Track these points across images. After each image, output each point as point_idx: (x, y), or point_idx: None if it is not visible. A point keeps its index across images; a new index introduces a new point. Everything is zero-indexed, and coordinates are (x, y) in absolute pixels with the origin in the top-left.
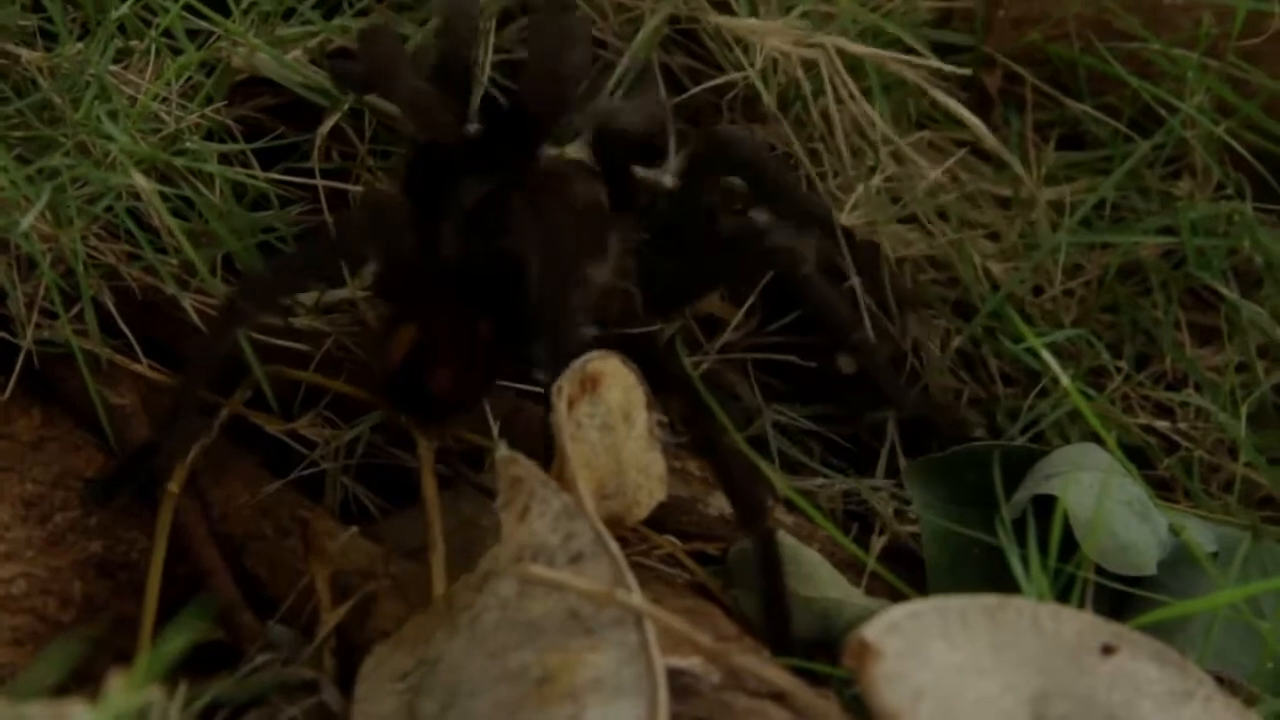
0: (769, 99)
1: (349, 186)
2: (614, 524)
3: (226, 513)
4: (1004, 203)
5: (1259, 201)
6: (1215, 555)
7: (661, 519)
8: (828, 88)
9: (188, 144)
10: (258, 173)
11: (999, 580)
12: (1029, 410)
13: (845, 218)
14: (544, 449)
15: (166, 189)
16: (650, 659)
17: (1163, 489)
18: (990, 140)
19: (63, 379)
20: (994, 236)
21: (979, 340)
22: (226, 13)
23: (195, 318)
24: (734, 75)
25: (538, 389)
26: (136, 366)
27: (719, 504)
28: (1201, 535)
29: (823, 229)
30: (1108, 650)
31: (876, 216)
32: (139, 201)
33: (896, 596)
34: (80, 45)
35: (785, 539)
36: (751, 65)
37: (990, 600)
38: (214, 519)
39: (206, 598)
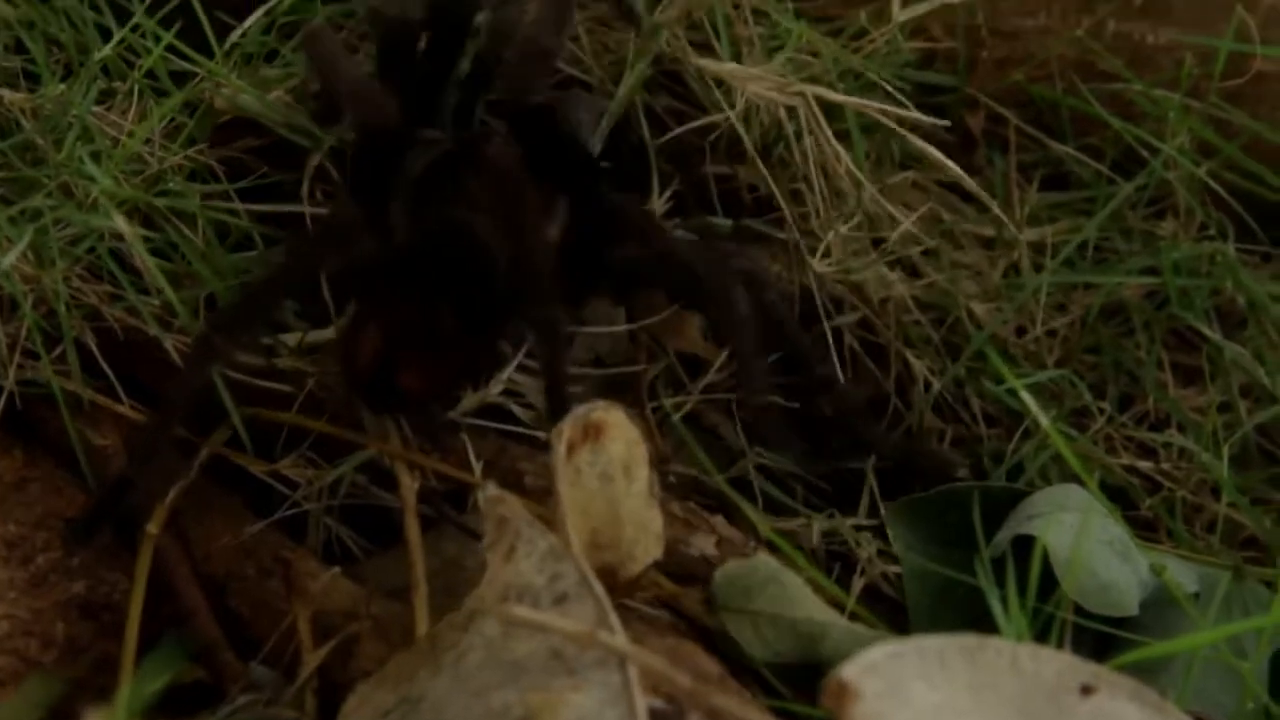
0: (751, 141)
1: None
2: (607, 576)
3: (209, 553)
4: (987, 243)
5: (1241, 242)
6: (1197, 595)
7: None
8: (805, 134)
9: (170, 185)
10: (239, 210)
11: (981, 621)
12: (1013, 451)
13: (824, 259)
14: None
15: (149, 231)
16: (632, 700)
17: (1146, 529)
18: (968, 182)
19: (45, 420)
20: (977, 277)
21: (962, 381)
22: (209, 54)
23: (177, 358)
24: (715, 117)
25: (522, 429)
26: (119, 407)
27: (700, 545)
28: (1183, 575)
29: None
30: (1086, 690)
31: (854, 260)
32: (121, 242)
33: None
34: (63, 86)
35: (769, 562)
36: (733, 107)
37: (969, 641)
38: (196, 559)
39: (184, 634)
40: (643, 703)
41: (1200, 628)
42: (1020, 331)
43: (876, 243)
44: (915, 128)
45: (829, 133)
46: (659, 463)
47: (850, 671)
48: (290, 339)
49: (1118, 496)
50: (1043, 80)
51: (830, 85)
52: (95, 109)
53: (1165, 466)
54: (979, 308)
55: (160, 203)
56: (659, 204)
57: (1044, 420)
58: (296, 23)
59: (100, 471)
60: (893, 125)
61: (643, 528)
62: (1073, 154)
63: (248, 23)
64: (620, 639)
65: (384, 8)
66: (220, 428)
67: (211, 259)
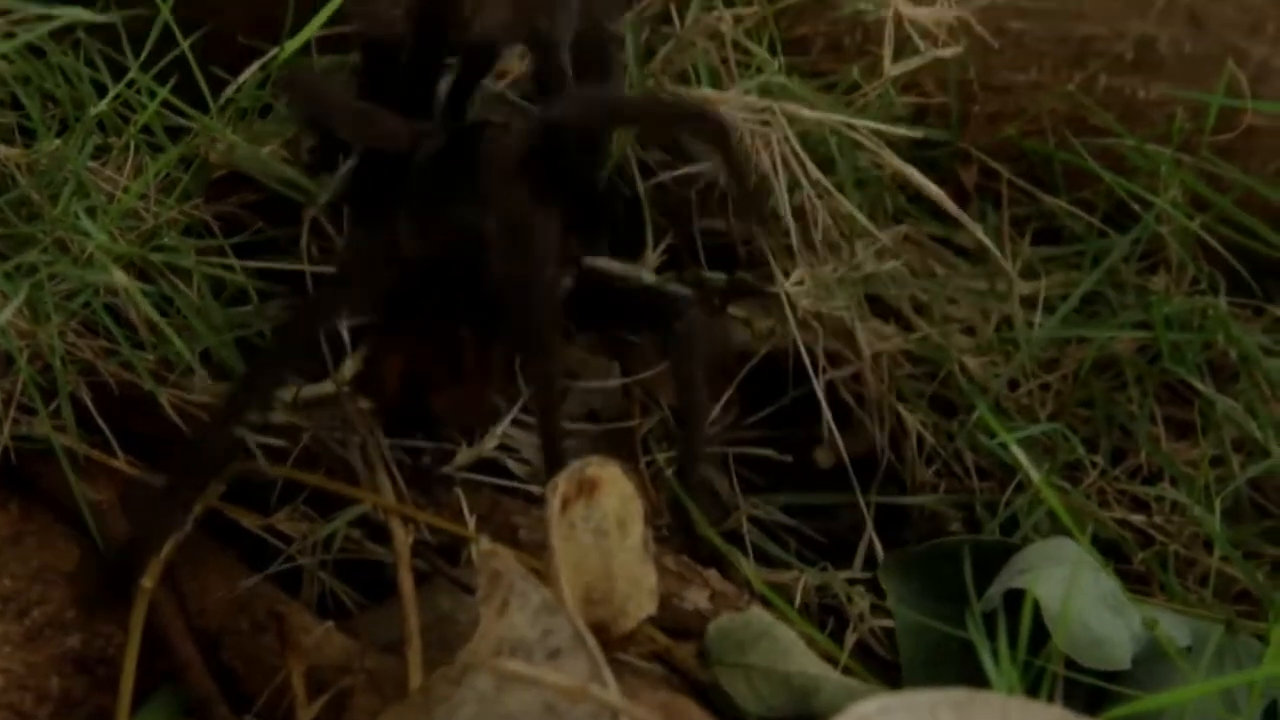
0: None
1: None
2: (600, 630)
3: (203, 607)
4: (980, 296)
5: (1233, 296)
6: (1189, 649)
7: None
8: (779, 161)
9: (165, 240)
10: (234, 265)
11: (974, 676)
12: (1006, 504)
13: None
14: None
15: (144, 285)
16: None
17: (1139, 583)
18: (967, 223)
19: (40, 474)
20: (970, 331)
21: (955, 435)
22: (204, 109)
23: (172, 413)
24: (703, 166)
25: (516, 484)
26: (114, 462)
27: (693, 598)
28: (1175, 629)
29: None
30: None
31: (849, 310)
32: (116, 297)
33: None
34: (58, 142)
35: (762, 616)
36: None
37: (960, 694)
38: (190, 613)
39: (178, 689)
40: None
41: (1192, 681)
42: (1013, 385)
43: (870, 299)
44: (907, 183)
45: (808, 162)
46: (652, 517)
47: None
48: (284, 393)
49: (1110, 550)
50: (1035, 135)
51: (822, 140)
52: (91, 164)
53: (1158, 520)
54: (972, 362)
55: (156, 258)
56: (653, 258)
57: (1035, 476)
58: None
59: (100, 526)
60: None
61: (636, 583)
62: (1065, 208)
63: (242, 77)
64: (613, 693)
65: (366, 27)
66: (217, 481)
67: (207, 314)
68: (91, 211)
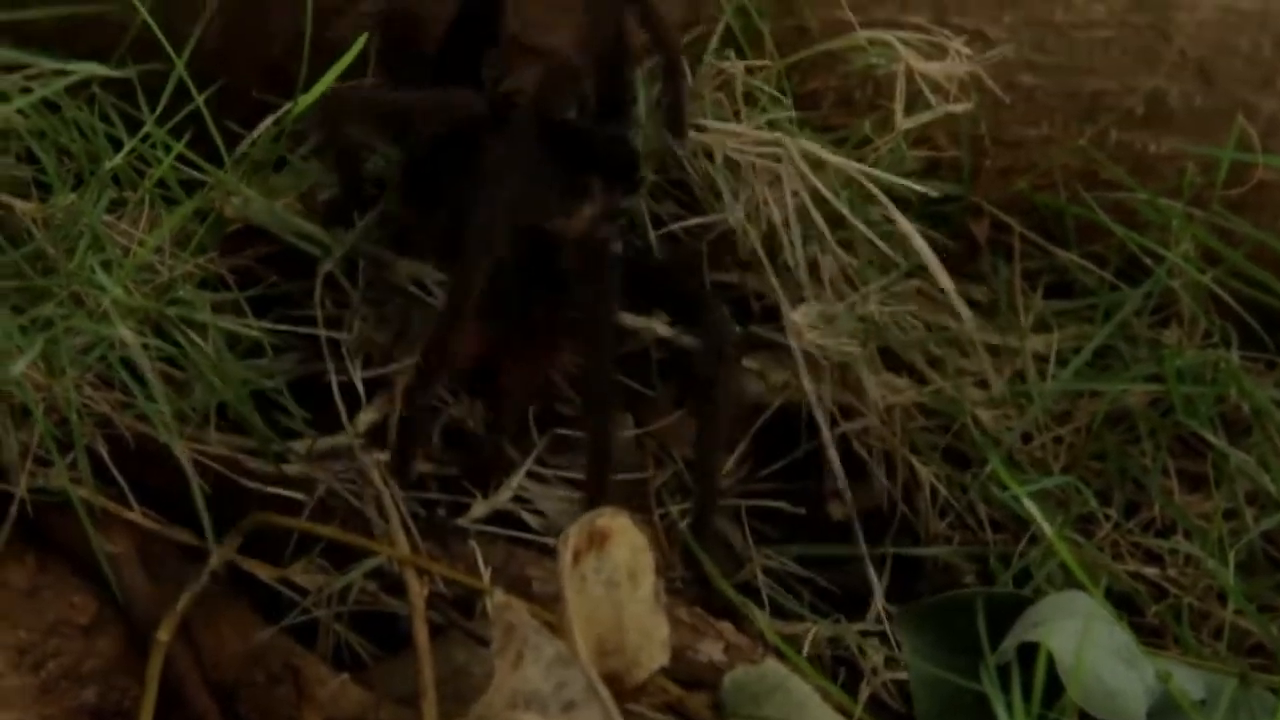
0: (754, 236)
1: (342, 335)
2: (613, 682)
3: (218, 659)
4: (992, 350)
5: (1245, 349)
6: (1203, 702)
7: None
8: (789, 203)
9: (181, 294)
10: (251, 321)
11: None
12: (1019, 556)
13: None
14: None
15: (160, 339)
16: None
17: (1153, 636)
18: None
19: (57, 526)
20: (983, 384)
21: (968, 487)
22: (219, 162)
23: (188, 466)
24: (714, 217)
25: (530, 535)
26: (130, 514)
27: (708, 650)
28: (1189, 682)
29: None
30: None
31: (857, 349)
32: (132, 350)
33: None
34: (74, 196)
35: (777, 668)
36: (734, 200)
37: None
38: (206, 666)
39: None
40: None
41: None
42: (1026, 438)
43: (883, 351)
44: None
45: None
46: (666, 568)
47: None
48: (300, 445)
49: (1124, 603)
50: (1047, 189)
51: (834, 193)
52: (106, 218)
53: (1171, 573)
54: (985, 414)
55: (171, 311)
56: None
57: (1048, 530)
58: (305, 130)
59: (117, 578)
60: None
61: (648, 634)
62: (1077, 262)
63: (257, 131)
64: None
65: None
66: (233, 533)
67: (221, 367)
68: (107, 265)
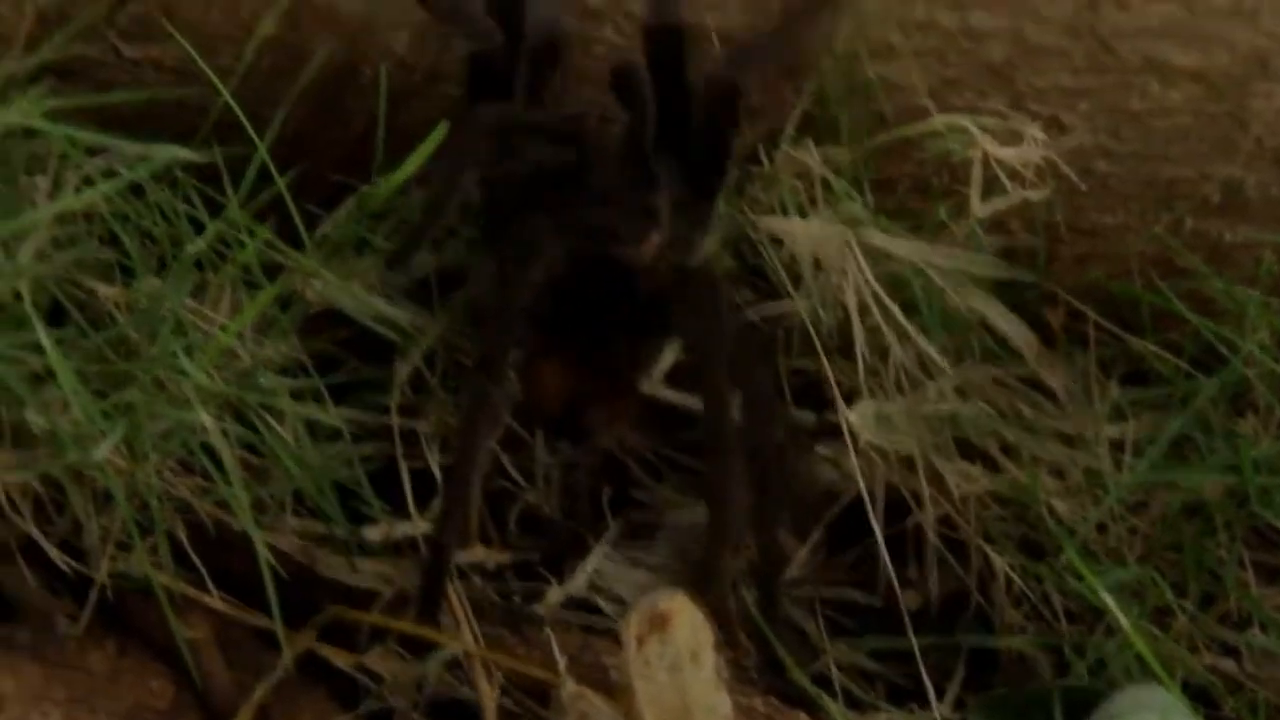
0: (825, 324)
1: (421, 424)
2: None
3: None
4: (1067, 439)
5: None
6: None
7: None
8: (857, 294)
9: (261, 379)
10: (330, 410)
11: None
12: (1095, 648)
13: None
14: None
15: (239, 426)
16: None
17: None
18: (1042, 365)
19: (136, 611)
20: (1058, 473)
21: (1043, 577)
22: (299, 245)
23: (266, 552)
24: (785, 305)
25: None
26: (208, 599)
27: None
28: None
29: None
30: None
31: (919, 444)
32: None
33: None
34: (156, 280)
35: None
36: (806, 296)
37: None
38: None
39: None
40: None
41: None
42: (1101, 528)
43: (958, 440)
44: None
45: (885, 298)
46: (734, 653)
47: None
48: (375, 532)
49: (1200, 696)
50: (1122, 277)
51: (907, 280)
52: (188, 302)
53: (1248, 666)
54: (1060, 504)
55: (251, 397)
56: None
57: (1124, 621)
58: (385, 212)
59: (196, 664)
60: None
61: (711, 712)
62: (1152, 350)
63: (337, 213)
64: None
65: (469, 41)
66: (311, 623)
67: (300, 454)
68: (189, 350)
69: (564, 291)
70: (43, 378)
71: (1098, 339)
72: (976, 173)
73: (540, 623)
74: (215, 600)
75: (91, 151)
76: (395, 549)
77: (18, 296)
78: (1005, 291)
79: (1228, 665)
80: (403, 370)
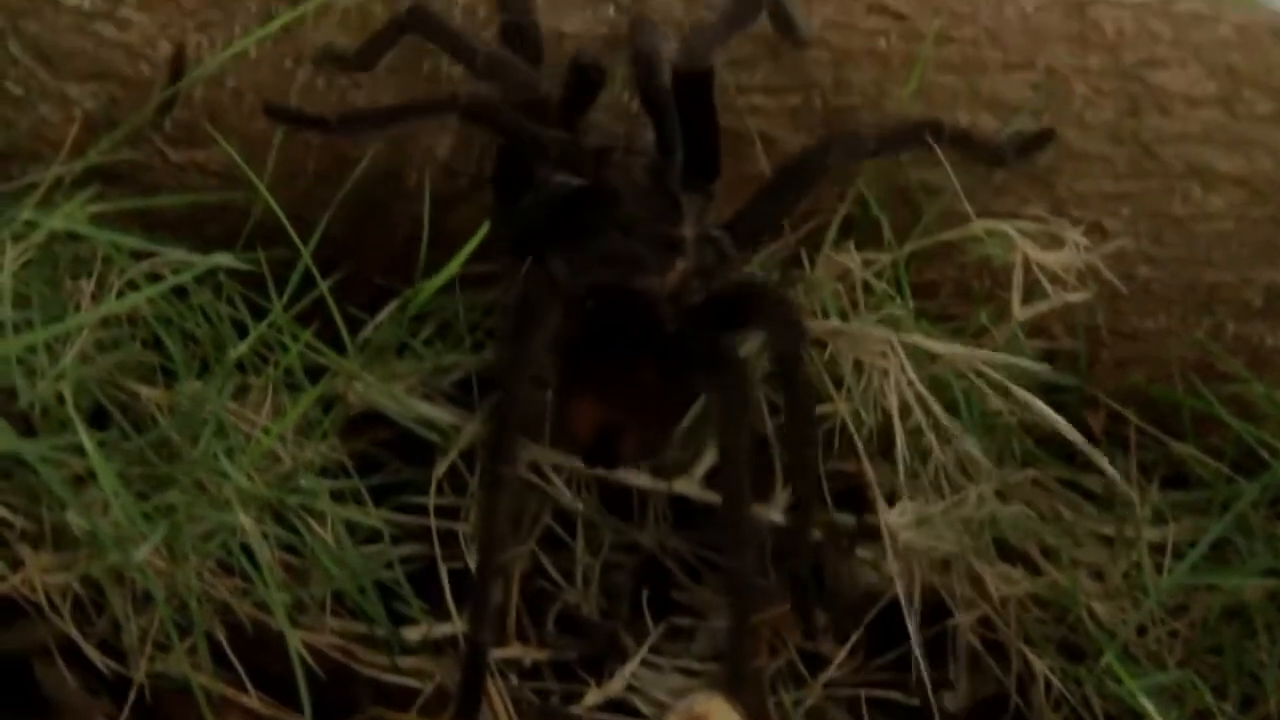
0: (866, 427)
1: (460, 526)
2: None
3: None
4: (1108, 541)
5: None
6: None
7: None
8: (899, 396)
9: (302, 481)
10: (370, 511)
11: None
12: None
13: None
14: None
15: (279, 528)
16: None
17: None
18: (1098, 460)
19: (174, 711)
20: (1098, 576)
21: (1083, 680)
22: (341, 348)
23: (304, 653)
24: (827, 408)
25: None
26: (246, 700)
27: None
28: None
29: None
30: None
31: (974, 553)
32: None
33: None
34: (199, 383)
35: None
36: (848, 400)
37: None
38: None
39: None
40: None
41: None
42: (1141, 631)
43: (998, 542)
44: (1034, 427)
45: (929, 397)
46: None
47: None
48: (414, 633)
49: None
50: (1163, 381)
51: (948, 384)
52: (230, 405)
53: None
54: (1100, 607)
55: (291, 500)
56: (781, 498)
57: None
58: (426, 314)
59: None
60: (1008, 416)
61: None
62: (1193, 454)
63: (380, 316)
64: None
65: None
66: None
67: (341, 555)
68: (230, 453)
69: (592, 323)
70: (84, 479)
71: (1138, 442)
72: (1018, 276)
73: None
74: (253, 700)
75: (136, 255)
76: (435, 648)
77: (60, 399)
78: (1047, 395)
79: None
80: (440, 468)
